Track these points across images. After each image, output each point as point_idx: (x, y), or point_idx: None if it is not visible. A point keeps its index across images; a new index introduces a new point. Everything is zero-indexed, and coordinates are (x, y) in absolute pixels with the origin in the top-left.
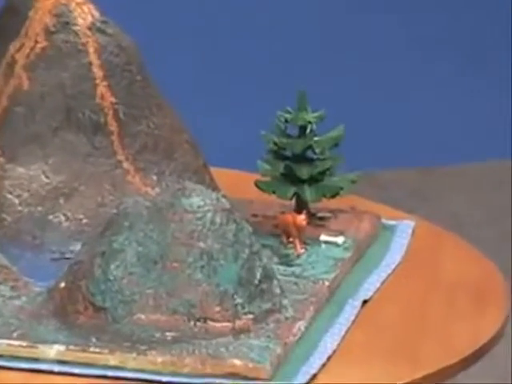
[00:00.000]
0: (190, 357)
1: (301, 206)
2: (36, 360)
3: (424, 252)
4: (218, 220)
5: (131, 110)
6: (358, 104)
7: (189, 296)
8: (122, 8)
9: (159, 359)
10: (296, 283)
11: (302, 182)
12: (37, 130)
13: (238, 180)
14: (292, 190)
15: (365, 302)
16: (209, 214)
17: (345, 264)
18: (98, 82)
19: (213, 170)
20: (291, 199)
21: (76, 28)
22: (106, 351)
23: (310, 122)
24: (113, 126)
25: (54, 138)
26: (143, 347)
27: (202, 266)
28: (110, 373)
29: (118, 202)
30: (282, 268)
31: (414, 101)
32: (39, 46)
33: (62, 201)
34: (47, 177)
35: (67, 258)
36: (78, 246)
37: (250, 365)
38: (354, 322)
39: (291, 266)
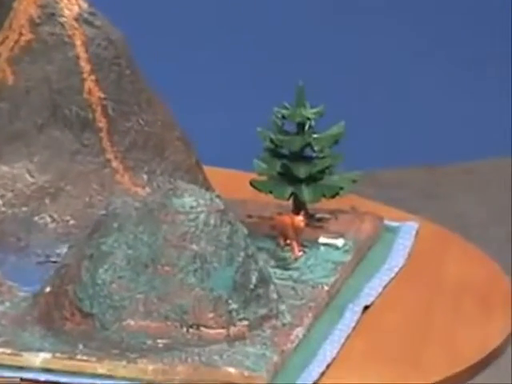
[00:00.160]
0: (183, 365)
1: (299, 207)
2: (21, 368)
3: (428, 254)
4: (211, 221)
5: (120, 105)
6: (359, 100)
7: (181, 301)
8: None
9: (150, 367)
10: (294, 288)
11: (300, 181)
12: (21, 127)
13: (233, 179)
14: (289, 189)
15: (366, 307)
16: (202, 215)
17: (345, 267)
18: (85, 76)
19: (206, 168)
20: (288, 199)
21: (62, 19)
22: (94, 359)
23: (308, 119)
24: (101, 123)
25: (39, 135)
26: (133, 355)
27: (195, 270)
28: (98, 381)
29: (107, 202)
30: (278, 272)
31: (417, 98)
32: (24, 38)
33: (47, 201)
34: (32, 176)
35: (53, 262)
36: (64, 249)
37: (246, 373)
38: (354, 328)
39: (288, 269)
